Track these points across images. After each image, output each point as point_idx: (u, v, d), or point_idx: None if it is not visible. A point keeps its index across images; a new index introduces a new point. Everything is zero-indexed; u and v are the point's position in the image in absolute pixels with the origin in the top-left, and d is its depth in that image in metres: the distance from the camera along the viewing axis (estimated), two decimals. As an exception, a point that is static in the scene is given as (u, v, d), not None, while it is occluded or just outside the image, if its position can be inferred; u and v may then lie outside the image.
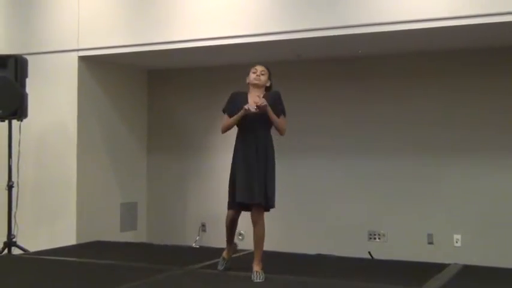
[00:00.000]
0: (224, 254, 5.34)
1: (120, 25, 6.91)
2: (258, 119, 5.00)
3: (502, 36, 6.00)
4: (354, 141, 7.10)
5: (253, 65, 5.20)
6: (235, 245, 5.40)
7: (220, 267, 5.28)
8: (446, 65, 6.78)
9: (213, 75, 7.71)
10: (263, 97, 5.04)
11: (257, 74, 5.11)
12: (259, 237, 4.99)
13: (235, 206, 5.08)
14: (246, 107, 4.96)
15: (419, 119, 6.84)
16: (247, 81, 5.17)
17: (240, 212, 5.15)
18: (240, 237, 7.18)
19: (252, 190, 4.94)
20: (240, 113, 5.00)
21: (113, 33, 6.91)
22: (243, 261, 5.41)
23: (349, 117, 7.14)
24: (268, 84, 5.17)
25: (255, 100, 4.99)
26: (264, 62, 5.32)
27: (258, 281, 4.89)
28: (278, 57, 7.06)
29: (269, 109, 4.97)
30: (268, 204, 4.99)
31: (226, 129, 5.19)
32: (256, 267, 4.97)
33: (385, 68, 7.03)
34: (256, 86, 5.13)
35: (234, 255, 5.44)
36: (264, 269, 4.98)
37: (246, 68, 5.15)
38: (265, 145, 5.05)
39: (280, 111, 5.11)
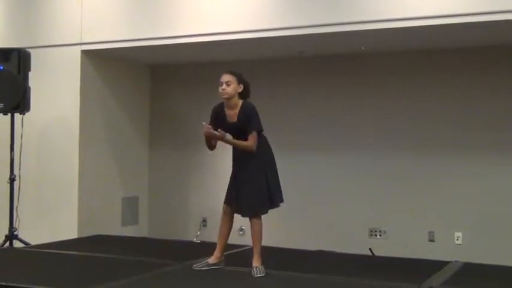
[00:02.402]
0: (210, 259, 5.16)
1: (123, 20, 6.90)
2: (238, 131, 4.93)
3: (507, 34, 5.99)
4: (356, 139, 7.10)
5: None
6: (223, 259, 5.18)
7: (195, 266, 5.13)
8: (450, 62, 6.77)
9: (215, 70, 7.62)
10: (239, 109, 4.93)
11: (222, 88, 4.92)
12: (255, 232, 4.98)
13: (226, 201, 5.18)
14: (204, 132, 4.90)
15: (422, 117, 6.84)
16: None
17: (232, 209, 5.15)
18: (241, 232, 7.19)
19: (232, 198, 5.07)
20: (206, 136, 4.95)
21: (116, 27, 6.91)
22: (243, 257, 5.41)
23: (351, 114, 7.14)
24: (240, 90, 4.96)
25: (216, 134, 4.86)
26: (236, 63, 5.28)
27: (259, 275, 4.89)
28: (281, 53, 7.06)
29: (228, 139, 4.90)
30: (245, 213, 5.02)
31: (209, 148, 5.12)
32: (256, 263, 4.97)
33: (388, 65, 7.02)
34: (225, 99, 4.98)
35: (234, 251, 5.42)
36: (264, 264, 4.98)
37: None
38: (248, 156, 4.93)
39: (251, 128, 4.91)
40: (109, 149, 7.53)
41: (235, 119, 4.98)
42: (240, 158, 5.03)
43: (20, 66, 6.63)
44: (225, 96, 4.95)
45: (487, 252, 6.32)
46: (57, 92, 7.21)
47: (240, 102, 4.99)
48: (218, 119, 5.01)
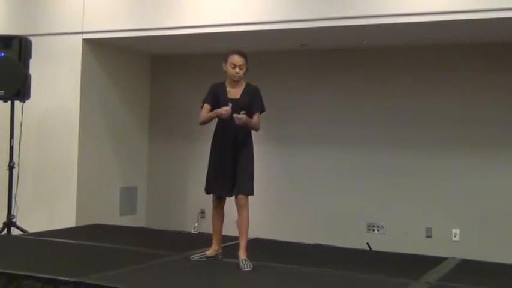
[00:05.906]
0: (208, 251, 5.19)
1: (125, 9, 6.89)
2: (238, 108, 4.94)
3: (509, 31, 5.99)
4: (355, 133, 7.10)
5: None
6: (221, 251, 5.22)
7: (193, 257, 5.17)
8: (452, 59, 6.77)
9: (216, 61, 7.61)
10: (244, 89, 5.04)
11: (236, 71, 5.02)
12: (246, 219, 4.93)
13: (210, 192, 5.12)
14: (223, 111, 4.91)
15: (421, 113, 6.85)
16: (224, 68, 5.08)
17: (222, 199, 5.11)
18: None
19: (223, 184, 4.97)
20: (216, 113, 4.97)
21: (117, 17, 6.90)
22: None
23: (350, 109, 7.14)
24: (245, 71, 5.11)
25: (238, 117, 4.87)
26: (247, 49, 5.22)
27: (247, 269, 4.82)
28: (282, 46, 7.05)
29: (249, 121, 4.95)
30: (245, 190, 4.95)
31: (203, 123, 5.13)
32: (242, 255, 4.91)
33: (389, 61, 7.02)
34: (236, 81, 5.07)
35: (232, 243, 5.40)
36: (259, 257, 4.93)
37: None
38: (243, 141, 4.99)
39: (258, 108, 5.06)
40: (108, 138, 7.52)
41: (237, 96, 5.04)
42: (238, 138, 4.99)
43: (21, 53, 6.63)
44: (237, 79, 5.06)
45: (484, 249, 6.32)
46: (57, 81, 7.20)
47: (244, 82, 5.10)
48: (218, 94, 5.08)
